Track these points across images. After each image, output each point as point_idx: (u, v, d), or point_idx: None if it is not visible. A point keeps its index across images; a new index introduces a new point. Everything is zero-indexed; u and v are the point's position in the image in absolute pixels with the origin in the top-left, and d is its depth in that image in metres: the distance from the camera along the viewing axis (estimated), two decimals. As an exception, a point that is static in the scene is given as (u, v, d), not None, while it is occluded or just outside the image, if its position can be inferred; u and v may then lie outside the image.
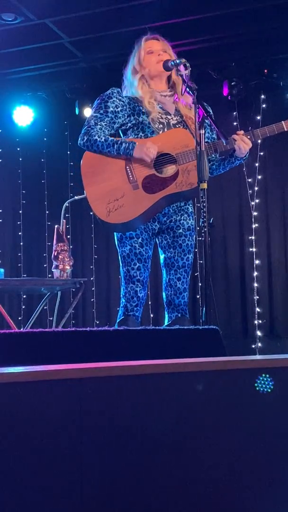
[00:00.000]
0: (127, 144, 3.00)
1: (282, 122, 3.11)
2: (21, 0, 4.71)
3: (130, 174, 3.04)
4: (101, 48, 5.49)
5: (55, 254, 3.99)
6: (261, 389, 1.58)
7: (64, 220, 4.09)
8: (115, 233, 3.17)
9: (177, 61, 3.02)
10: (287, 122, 3.11)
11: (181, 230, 3.12)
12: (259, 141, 5.97)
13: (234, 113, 6.06)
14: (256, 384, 1.58)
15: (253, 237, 6.07)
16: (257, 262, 6.05)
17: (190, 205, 3.20)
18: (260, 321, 5.97)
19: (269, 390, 1.58)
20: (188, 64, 2.99)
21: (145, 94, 3.13)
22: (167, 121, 3.13)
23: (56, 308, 4.41)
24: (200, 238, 2.88)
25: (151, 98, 3.12)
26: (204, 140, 3.11)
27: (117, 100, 3.12)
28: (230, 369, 1.62)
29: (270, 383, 1.59)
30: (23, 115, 6.45)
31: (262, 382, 1.59)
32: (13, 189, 6.73)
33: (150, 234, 3.13)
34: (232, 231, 6.18)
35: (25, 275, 6.51)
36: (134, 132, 3.13)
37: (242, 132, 3.07)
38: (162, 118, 3.13)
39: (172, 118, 3.15)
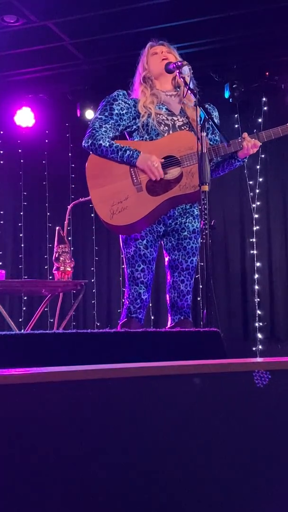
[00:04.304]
0: (131, 152, 3.00)
1: None
2: (23, 2, 4.72)
3: (134, 176, 3.03)
4: (103, 50, 5.49)
5: (56, 255, 4.00)
6: (258, 383, 1.58)
7: (65, 222, 4.10)
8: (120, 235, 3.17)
9: (179, 63, 3.02)
10: None
11: (186, 233, 3.11)
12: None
13: (236, 115, 6.07)
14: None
15: (254, 240, 6.07)
16: (258, 264, 6.05)
17: (196, 207, 3.16)
18: (260, 324, 5.96)
19: (265, 383, 1.58)
20: (190, 67, 2.99)
21: (142, 97, 3.14)
22: (172, 123, 3.12)
23: (57, 310, 4.41)
24: (202, 240, 2.88)
25: (149, 103, 3.12)
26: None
27: (123, 102, 3.11)
28: (231, 372, 1.62)
29: (267, 378, 1.58)
30: (25, 117, 6.47)
31: (258, 376, 1.58)
32: (14, 191, 6.74)
33: (155, 236, 3.11)
34: (233, 233, 6.18)
35: (26, 277, 6.52)
36: (140, 134, 3.12)
37: (246, 134, 3.06)
38: (167, 120, 3.12)
39: (177, 120, 3.14)
